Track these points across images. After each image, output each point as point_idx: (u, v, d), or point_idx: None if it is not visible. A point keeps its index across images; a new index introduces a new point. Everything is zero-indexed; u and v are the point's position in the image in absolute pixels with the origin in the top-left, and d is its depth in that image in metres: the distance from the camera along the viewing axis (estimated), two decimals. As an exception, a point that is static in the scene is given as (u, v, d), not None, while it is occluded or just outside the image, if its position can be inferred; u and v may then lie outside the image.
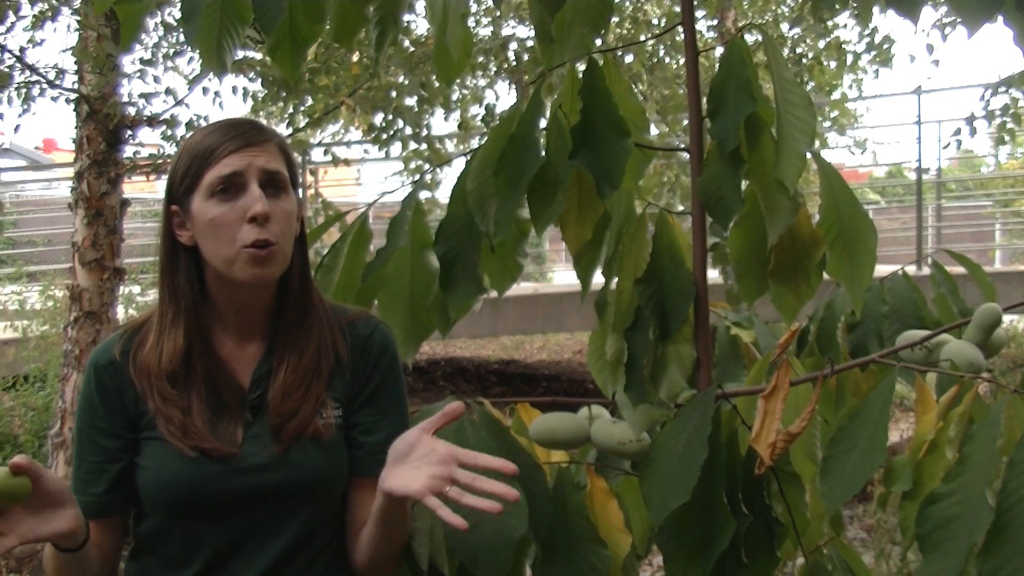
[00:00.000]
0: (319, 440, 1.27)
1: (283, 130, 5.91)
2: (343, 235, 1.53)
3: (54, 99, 4.92)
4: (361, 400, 1.32)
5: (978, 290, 1.71)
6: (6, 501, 1.08)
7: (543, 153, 1.33)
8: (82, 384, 1.31)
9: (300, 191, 1.34)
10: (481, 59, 6.53)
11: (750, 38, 6.90)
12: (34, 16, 4.95)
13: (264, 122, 1.36)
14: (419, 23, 5.97)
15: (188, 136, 1.29)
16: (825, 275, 1.39)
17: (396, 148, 5.79)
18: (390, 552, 1.29)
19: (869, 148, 9.65)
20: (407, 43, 5.53)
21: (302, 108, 5.70)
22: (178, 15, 4.72)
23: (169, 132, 5.06)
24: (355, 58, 5.45)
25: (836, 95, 8.56)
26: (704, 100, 1.33)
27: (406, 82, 5.46)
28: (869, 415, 1.20)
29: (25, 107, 4.89)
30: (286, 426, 1.25)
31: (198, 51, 1.40)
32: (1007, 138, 6.49)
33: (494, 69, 6.57)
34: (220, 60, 1.41)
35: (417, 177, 5.71)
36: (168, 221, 1.28)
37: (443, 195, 6.77)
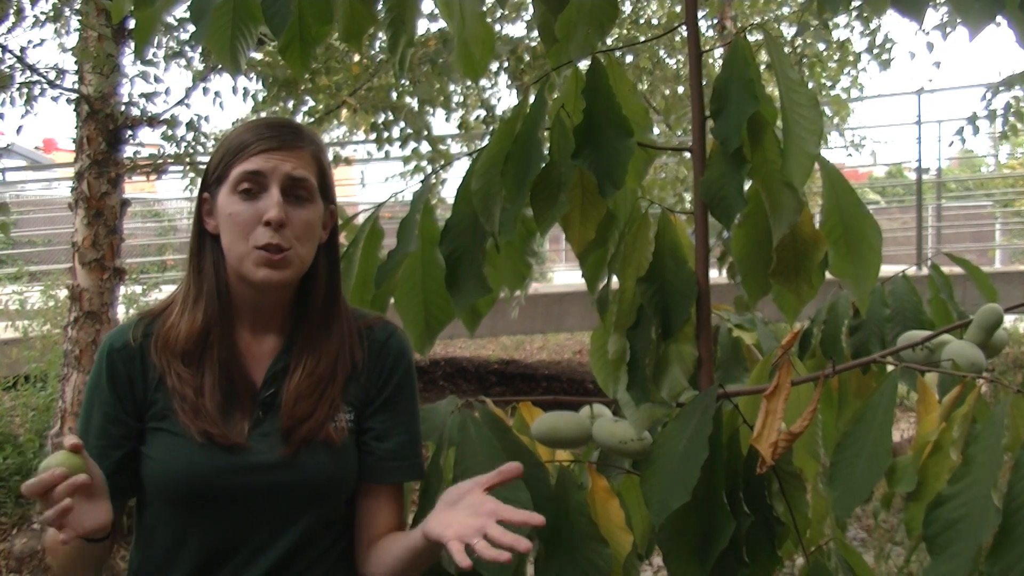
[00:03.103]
0: (330, 445, 1.27)
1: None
2: (354, 240, 1.54)
3: (54, 99, 4.91)
4: (375, 406, 1.32)
5: (979, 292, 1.72)
6: (67, 472, 1.07)
7: (546, 153, 1.33)
8: (93, 367, 1.31)
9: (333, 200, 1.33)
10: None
11: (751, 38, 6.90)
12: (35, 17, 4.95)
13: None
14: (418, 24, 5.96)
15: (234, 127, 1.30)
16: (827, 276, 1.39)
17: (396, 148, 5.79)
18: (414, 574, 1.29)
19: (868, 148, 9.65)
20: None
21: (304, 109, 5.70)
22: (179, 15, 4.73)
23: (169, 132, 5.06)
24: (356, 58, 5.45)
25: (836, 96, 8.56)
26: (706, 100, 1.33)
27: (406, 83, 5.46)
28: (873, 419, 1.20)
29: (27, 108, 4.89)
30: (297, 429, 1.25)
31: (213, 52, 1.41)
32: (1009, 133, 6.49)
33: (495, 68, 6.57)
34: (235, 61, 1.42)
35: (423, 177, 5.71)
36: (199, 207, 1.30)
37: (445, 194, 6.76)
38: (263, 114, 5.59)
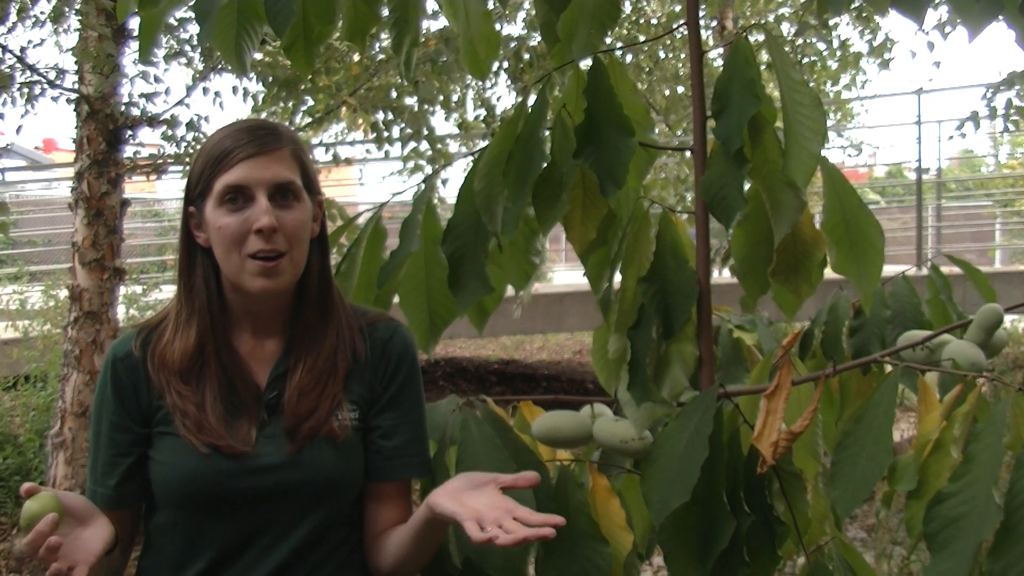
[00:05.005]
0: (334, 441, 1.27)
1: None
2: (356, 239, 1.54)
3: (54, 99, 4.91)
4: (381, 404, 1.32)
5: (978, 292, 1.72)
6: (59, 516, 1.10)
7: (548, 153, 1.33)
8: (99, 378, 1.31)
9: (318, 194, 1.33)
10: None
11: (751, 38, 6.89)
12: (35, 17, 4.95)
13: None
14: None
15: (211, 135, 1.29)
16: (827, 276, 1.39)
17: (395, 148, 5.80)
18: (418, 562, 1.30)
19: (867, 149, 9.68)
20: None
21: (303, 109, 5.70)
22: (179, 15, 4.73)
23: (169, 132, 5.06)
24: (356, 58, 5.46)
25: (837, 92, 8.57)
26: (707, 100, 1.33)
27: (406, 83, 5.47)
28: (874, 418, 1.20)
29: (27, 108, 4.89)
30: (301, 426, 1.26)
31: (219, 52, 1.41)
32: (1012, 128, 6.48)
33: (494, 68, 6.57)
34: (240, 60, 1.43)
35: (423, 176, 5.72)
36: (186, 221, 1.29)
37: (446, 194, 6.76)
38: (263, 115, 5.60)
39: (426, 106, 5.60)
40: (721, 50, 7.01)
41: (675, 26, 7.40)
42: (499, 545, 1.05)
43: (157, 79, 5.00)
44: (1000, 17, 1.23)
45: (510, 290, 1.52)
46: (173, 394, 1.25)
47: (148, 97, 4.91)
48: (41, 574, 4.69)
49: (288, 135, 1.29)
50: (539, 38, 4.20)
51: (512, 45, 6.12)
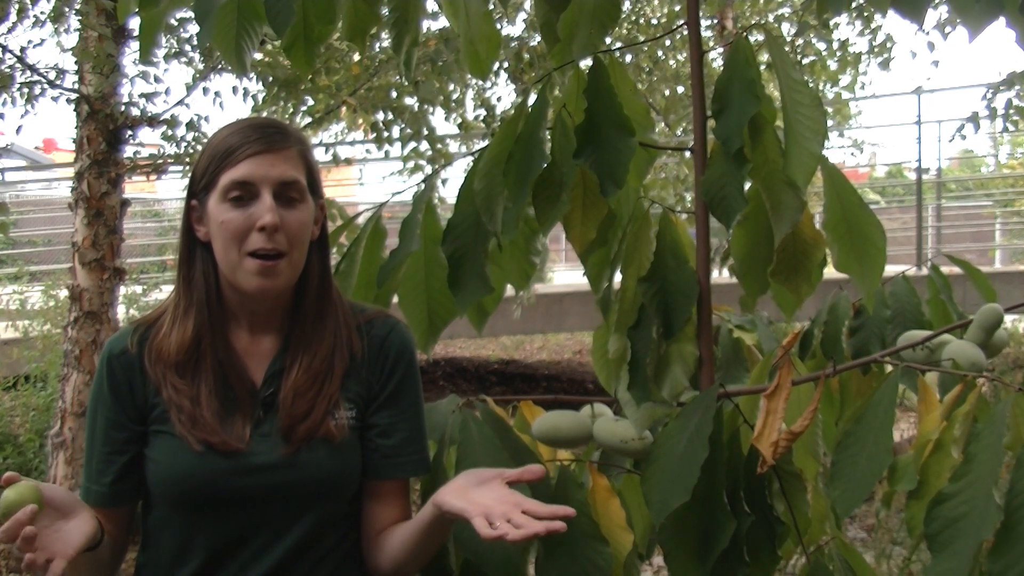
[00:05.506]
0: (331, 442, 1.27)
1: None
2: (356, 239, 1.54)
3: (54, 99, 4.91)
4: (379, 403, 1.32)
5: (978, 292, 1.72)
6: (38, 507, 1.08)
7: (548, 153, 1.33)
8: (95, 374, 1.31)
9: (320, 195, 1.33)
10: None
11: (751, 38, 6.88)
12: (35, 17, 4.95)
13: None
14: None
15: (217, 130, 1.29)
16: (826, 276, 1.39)
17: (395, 148, 5.80)
18: (422, 560, 1.30)
19: (867, 149, 9.68)
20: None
21: (303, 109, 5.70)
22: (179, 16, 4.73)
23: (169, 132, 5.06)
24: (356, 58, 5.46)
25: (837, 92, 8.57)
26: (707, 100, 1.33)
27: (406, 83, 5.47)
28: (874, 418, 1.20)
29: (27, 108, 4.89)
30: (297, 428, 1.25)
31: (219, 52, 1.42)
32: (1012, 128, 6.48)
33: (495, 67, 6.57)
34: (240, 60, 1.43)
35: (423, 176, 5.72)
36: (188, 215, 1.29)
37: (446, 194, 6.77)
38: (263, 115, 5.60)
39: (426, 106, 5.60)
40: (721, 50, 7.01)
41: (675, 26, 7.40)
42: (510, 541, 1.06)
43: (157, 79, 5.01)
44: (1000, 17, 1.23)
45: (510, 290, 1.52)
46: (169, 387, 1.25)
47: (148, 97, 4.91)
48: (43, 574, 4.68)
49: (296, 135, 1.29)
50: (539, 38, 4.20)
51: (512, 45, 6.12)
